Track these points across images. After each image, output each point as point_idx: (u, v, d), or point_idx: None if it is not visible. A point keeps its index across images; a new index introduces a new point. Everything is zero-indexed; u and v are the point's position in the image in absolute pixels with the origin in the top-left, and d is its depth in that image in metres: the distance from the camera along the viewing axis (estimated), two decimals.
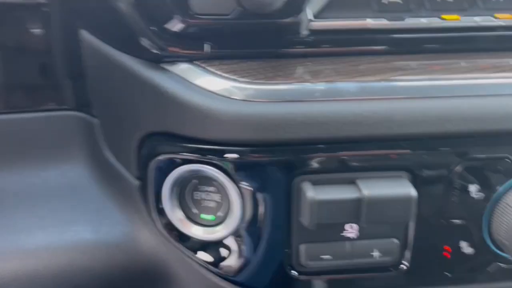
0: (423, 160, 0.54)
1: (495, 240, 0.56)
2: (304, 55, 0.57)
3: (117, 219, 0.66)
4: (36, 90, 0.69)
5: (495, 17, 0.58)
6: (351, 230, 0.56)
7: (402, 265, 0.58)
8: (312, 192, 0.51)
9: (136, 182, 0.63)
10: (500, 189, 0.55)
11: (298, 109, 0.51)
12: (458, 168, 0.54)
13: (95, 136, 0.69)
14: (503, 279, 0.61)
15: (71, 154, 0.71)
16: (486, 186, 0.55)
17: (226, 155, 0.53)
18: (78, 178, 0.70)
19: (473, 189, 0.55)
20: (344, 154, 0.53)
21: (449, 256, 0.58)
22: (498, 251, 0.57)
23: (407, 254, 0.57)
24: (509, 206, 0.55)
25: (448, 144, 0.54)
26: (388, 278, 0.58)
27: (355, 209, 0.51)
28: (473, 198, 0.55)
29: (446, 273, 0.58)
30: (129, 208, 0.66)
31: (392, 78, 0.54)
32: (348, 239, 0.56)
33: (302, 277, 0.57)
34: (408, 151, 0.53)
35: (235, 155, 0.53)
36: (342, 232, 0.55)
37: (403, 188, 0.52)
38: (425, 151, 0.53)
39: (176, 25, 0.54)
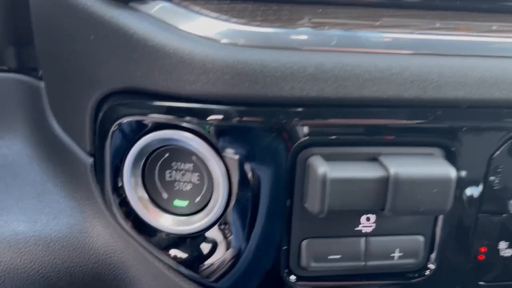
0: (462, 134, 0.42)
1: None
2: (315, 2, 0.46)
3: (61, 207, 0.51)
4: None
5: None
6: (367, 224, 0.43)
7: (427, 270, 0.46)
8: (325, 168, 0.38)
9: (89, 160, 0.49)
10: None
11: (308, 59, 0.39)
12: (504, 148, 0.43)
13: (39, 104, 0.55)
14: None
15: (8, 126, 0.56)
16: None
17: (210, 117, 0.40)
18: (14, 155, 0.55)
19: None
20: (365, 122, 0.41)
21: (484, 258, 0.46)
22: None
23: (434, 255, 0.46)
24: None
25: (493, 115, 0.43)
26: (410, 286, 0.46)
27: (380, 193, 0.39)
28: None
29: (480, 282, 0.47)
30: (78, 193, 0.51)
31: (427, 31, 0.42)
32: (364, 234, 0.43)
33: (301, 284, 0.44)
34: (444, 122, 0.42)
35: (220, 116, 0.40)
36: (357, 226, 0.43)
37: (440, 168, 0.40)
38: (465, 122, 0.42)
39: None
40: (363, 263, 0.44)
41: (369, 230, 0.43)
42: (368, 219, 0.43)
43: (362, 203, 0.39)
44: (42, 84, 0.54)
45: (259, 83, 0.38)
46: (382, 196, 0.39)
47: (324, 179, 0.38)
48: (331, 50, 0.39)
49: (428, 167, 0.40)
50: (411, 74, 0.40)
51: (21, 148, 0.56)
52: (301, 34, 0.39)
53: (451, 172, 0.40)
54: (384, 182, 0.39)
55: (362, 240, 0.43)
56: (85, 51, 0.46)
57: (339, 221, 0.42)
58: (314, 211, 0.39)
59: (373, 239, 0.43)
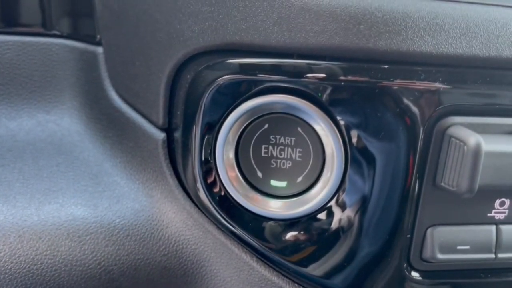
0: None
1: None
2: None
3: (123, 190, 0.44)
4: (12, 6, 0.47)
5: None
6: (501, 209, 0.37)
7: None
8: (478, 139, 0.32)
9: (161, 135, 0.42)
10: None
11: (456, 11, 0.32)
12: None
13: (94, 72, 0.48)
14: None
15: (61, 97, 0.49)
16: None
17: (335, 77, 0.33)
18: (64, 131, 0.48)
19: None
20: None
21: None
22: None
23: None
24: None
25: None
26: None
27: None
28: None
29: None
30: (144, 174, 0.44)
31: None
32: (497, 222, 0.37)
33: (427, 282, 0.38)
34: None
35: (345, 77, 0.33)
36: (491, 212, 0.37)
37: None
38: None
39: None
40: (493, 256, 0.37)
41: (502, 216, 0.37)
42: (502, 203, 0.37)
43: None
44: (99, 49, 0.47)
45: (401, 35, 0.32)
46: None
47: (477, 152, 0.32)
48: (484, 3, 0.33)
49: None
50: None
51: (71, 123, 0.48)
52: None
53: None
54: None
55: (494, 228, 0.37)
56: (165, 4, 0.40)
57: (471, 206, 0.36)
58: (461, 189, 0.33)
59: (506, 227, 0.37)
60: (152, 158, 0.43)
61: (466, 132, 0.33)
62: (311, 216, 0.37)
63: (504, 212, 0.37)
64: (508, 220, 0.37)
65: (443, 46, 0.32)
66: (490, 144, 0.32)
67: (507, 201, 0.37)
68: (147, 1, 0.40)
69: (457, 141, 0.33)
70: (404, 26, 0.32)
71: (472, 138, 0.32)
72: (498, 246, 0.37)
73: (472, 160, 0.32)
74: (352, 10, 0.32)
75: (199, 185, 0.38)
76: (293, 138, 0.37)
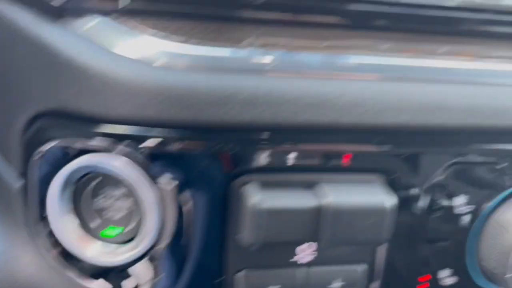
0: (403, 160, 0.42)
1: (483, 269, 0.45)
2: (257, 21, 0.44)
3: None
4: None
5: None
6: (306, 253, 0.42)
7: None
8: (256, 198, 0.37)
9: (17, 183, 0.46)
10: (488, 204, 0.44)
11: (243, 83, 0.37)
12: (446, 174, 0.43)
13: None
14: None
15: None
16: (473, 200, 0.44)
17: (140, 144, 0.38)
18: None
19: (458, 202, 0.44)
20: (302, 148, 0.40)
21: (428, 286, 0.46)
22: (486, 282, 0.46)
23: (376, 285, 0.45)
24: (501, 226, 0.44)
25: (434, 141, 0.42)
26: None
27: (314, 223, 0.38)
28: (457, 214, 0.44)
29: None
30: (6, 219, 0.48)
31: (367, 53, 0.42)
32: (302, 265, 0.42)
33: None
34: (384, 148, 0.41)
35: (151, 142, 0.38)
36: (295, 256, 0.42)
37: (376, 197, 0.39)
38: (406, 148, 0.42)
39: None
40: None
41: (307, 259, 0.42)
42: (306, 248, 0.42)
43: (296, 234, 0.37)
44: None
45: (192, 108, 0.36)
46: (316, 227, 0.37)
47: (255, 210, 0.36)
48: (268, 74, 0.38)
49: (364, 196, 0.39)
50: (349, 99, 0.39)
51: None
52: (233, 56, 0.38)
53: (387, 201, 0.39)
54: (318, 212, 0.37)
55: (301, 270, 0.42)
56: (14, 67, 0.44)
57: (275, 251, 0.41)
58: (247, 243, 0.37)
59: (313, 269, 0.42)
60: (12, 204, 0.47)
61: (250, 190, 0.37)
62: (134, 261, 0.41)
63: (311, 255, 0.42)
64: (316, 262, 0.42)
65: (231, 116, 0.37)
66: (269, 202, 0.37)
67: (312, 245, 0.42)
68: (2, 63, 0.45)
69: (243, 199, 0.38)
70: (196, 100, 0.36)
71: (252, 197, 0.37)
72: (307, 285, 0.42)
73: (251, 217, 0.36)
74: (147, 86, 0.36)
75: (39, 234, 0.42)
76: (124, 190, 0.41)
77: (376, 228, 0.38)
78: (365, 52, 0.42)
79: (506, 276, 0.43)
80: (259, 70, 0.38)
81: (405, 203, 0.43)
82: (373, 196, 0.39)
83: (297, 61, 0.39)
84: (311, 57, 0.39)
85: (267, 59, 0.39)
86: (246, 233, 0.37)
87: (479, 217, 0.44)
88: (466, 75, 0.42)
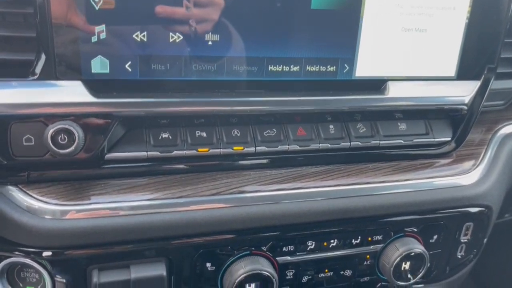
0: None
1: None
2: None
3: None
4: None
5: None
6: None
7: None
8: (96, 277, 0.79)
9: None
10: None
11: (83, 224, 0.78)
12: None
13: None
14: None
15: None
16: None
17: (43, 254, 0.79)
18: None
19: None
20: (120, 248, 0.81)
21: None
22: None
23: None
24: None
25: None
26: None
27: None
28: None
29: None
30: None
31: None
32: None
33: None
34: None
35: (48, 253, 0.78)
36: None
37: (158, 271, 0.81)
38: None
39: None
40: None
41: None
42: None
43: None
44: None
45: (62, 239, 0.77)
46: None
47: (95, 284, 0.78)
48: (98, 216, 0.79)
49: (152, 271, 0.81)
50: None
51: None
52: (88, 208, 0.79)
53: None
54: (128, 282, 0.80)
55: None
56: None
57: None
58: None
59: None
60: None
61: (94, 273, 0.79)
62: None
63: None
64: None
65: None
66: (104, 278, 0.78)
67: None
68: None
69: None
70: None
71: (95, 277, 0.78)
72: None
73: None
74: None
75: None
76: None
77: None
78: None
79: None
80: (94, 216, 0.79)
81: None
82: (156, 271, 0.82)
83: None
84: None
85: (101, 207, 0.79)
86: None
87: None
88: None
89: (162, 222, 0.80)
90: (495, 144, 1.09)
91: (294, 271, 0.92)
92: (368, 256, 0.97)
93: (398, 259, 0.95)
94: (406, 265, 0.96)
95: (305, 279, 0.94)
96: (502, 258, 1.73)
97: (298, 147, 0.90)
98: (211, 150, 0.86)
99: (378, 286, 1.02)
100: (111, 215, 0.79)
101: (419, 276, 0.98)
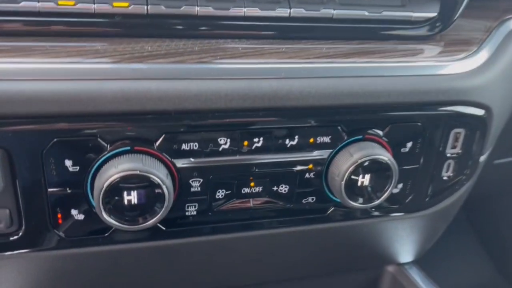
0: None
1: None
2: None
3: None
4: None
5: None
6: None
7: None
8: None
9: None
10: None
11: None
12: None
13: None
14: None
15: None
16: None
17: None
18: None
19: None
20: None
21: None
22: None
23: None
24: None
25: None
26: None
27: None
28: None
29: None
30: None
31: None
32: None
33: None
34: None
35: None
36: None
37: None
38: None
39: None
40: None
41: None
42: None
43: None
44: None
45: None
46: None
47: None
48: None
49: None
50: None
51: None
52: None
53: None
54: None
55: None
56: None
57: None
58: None
59: None
60: None
61: None
62: None
63: None
64: None
65: None
66: None
67: None
68: None
69: None
70: None
71: None
72: None
73: None
74: None
75: None
76: None
77: None
78: None
79: None
80: None
81: None
82: None
83: None
84: None
85: None
86: None
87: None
88: None
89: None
90: (504, 31, 0.79)
91: (201, 181, 0.66)
92: (311, 166, 0.69)
93: (352, 168, 0.67)
94: (365, 180, 0.69)
95: (219, 194, 0.68)
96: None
97: (212, 9, 0.63)
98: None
99: (330, 211, 0.75)
100: None
101: (384, 196, 0.71)
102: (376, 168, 0.68)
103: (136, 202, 0.60)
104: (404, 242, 0.90)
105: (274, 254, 0.81)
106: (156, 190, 0.60)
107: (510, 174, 1.15)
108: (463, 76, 0.72)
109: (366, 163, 0.67)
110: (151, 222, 0.62)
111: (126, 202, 0.60)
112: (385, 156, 0.68)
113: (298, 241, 0.79)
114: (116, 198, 0.60)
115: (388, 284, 0.96)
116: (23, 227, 0.62)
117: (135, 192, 0.60)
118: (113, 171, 0.59)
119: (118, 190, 0.59)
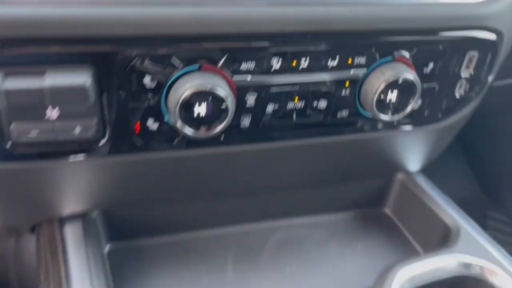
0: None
1: None
2: None
3: None
4: None
5: None
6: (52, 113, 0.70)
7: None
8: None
9: None
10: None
11: None
12: None
13: None
14: None
15: None
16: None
17: None
18: None
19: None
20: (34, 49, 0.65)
21: None
22: None
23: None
24: None
25: None
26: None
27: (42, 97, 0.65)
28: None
29: None
30: None
31: None
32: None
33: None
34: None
35: None
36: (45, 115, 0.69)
37: (79, 79, 0.66)
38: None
39: None
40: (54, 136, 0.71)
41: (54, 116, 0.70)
42: (51, 110, 0.69)
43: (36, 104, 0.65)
44: None
45: None
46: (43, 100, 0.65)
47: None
48: None
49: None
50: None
51: None
52: None
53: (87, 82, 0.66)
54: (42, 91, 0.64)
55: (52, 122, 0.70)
56: None
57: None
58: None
59: (58, 122, 0.70)
60: None
61: None
62: None
63: (55, 113, 0.69)
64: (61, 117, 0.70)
65: None
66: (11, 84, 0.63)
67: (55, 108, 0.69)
68: None
69: None
70: None
71: None
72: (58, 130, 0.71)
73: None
74: None
75: None
76: None
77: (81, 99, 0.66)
78: None
79: None
80: None
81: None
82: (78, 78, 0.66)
83: None
84: None
85: None
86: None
87: None
88: None
89: (90, 17, 0.64)
90: None
91: (255, 95, 0.77)
92: (347, 83, 0.80)
93: (383, 85, 0.78)
94: (393, 96, 0.80)
95: (269, 108, 0.79)
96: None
97: None
98: None
99: (359, 124, 0.87)
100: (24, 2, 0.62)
101: (407, 110, 0.83)
102: (403, 85, 0.79)
103: (204, 114, 0.71)
104: (414, 152, 1.04)
105: (309, 162, 0.94)
106: (221, 104, 0.71)
107: (504, 95, 1.27)
108: (480, 4, 0.82)
109: (395, 81, 0.78)
110: (215, 131, 0.73)
111: (196, 113, 0.71)
112: (412, 75, 0.79)
113: (329, 152, 0.92)
114: (189, 110, 0.70)
115: (397, 188, 1.11)
116: (107, 135, 0.73)
117: (204, 104, 0.71)
118: (187, 86, 0.69)
119: (190, 103, 0.70)
